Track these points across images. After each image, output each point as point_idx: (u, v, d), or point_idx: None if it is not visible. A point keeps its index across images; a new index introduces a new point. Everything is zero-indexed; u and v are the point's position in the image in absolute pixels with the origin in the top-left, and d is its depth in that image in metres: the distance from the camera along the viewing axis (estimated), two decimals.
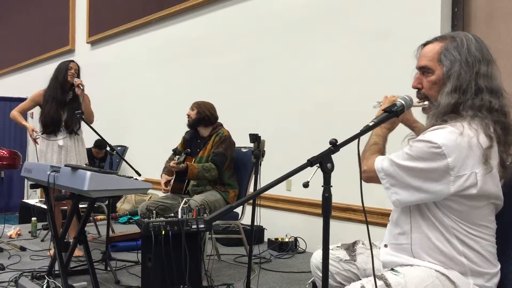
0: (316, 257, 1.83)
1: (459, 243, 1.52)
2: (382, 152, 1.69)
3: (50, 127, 3.95)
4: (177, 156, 3.43)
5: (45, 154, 3.96)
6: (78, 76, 4.03)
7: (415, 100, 1.66)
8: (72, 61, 4.09)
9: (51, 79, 4.05)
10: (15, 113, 4.10)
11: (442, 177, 1.46)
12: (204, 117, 3.68)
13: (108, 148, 3.94)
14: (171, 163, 3.46)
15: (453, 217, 1.52)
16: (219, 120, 3.80)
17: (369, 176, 1.64)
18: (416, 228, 1.58)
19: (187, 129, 3.87)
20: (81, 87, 3.91)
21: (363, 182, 1.61)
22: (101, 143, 5.60)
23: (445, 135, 1.46)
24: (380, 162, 1.59)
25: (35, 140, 3.94)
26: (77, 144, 4.06)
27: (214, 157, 3.53)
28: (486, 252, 1.54)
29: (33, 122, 9.66)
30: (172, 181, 3.64)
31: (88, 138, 4.39)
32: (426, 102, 1.62)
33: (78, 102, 3.97)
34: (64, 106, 3.96)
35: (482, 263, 1.53)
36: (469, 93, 1.52)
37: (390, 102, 1.70)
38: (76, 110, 3.85)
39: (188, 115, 3.74)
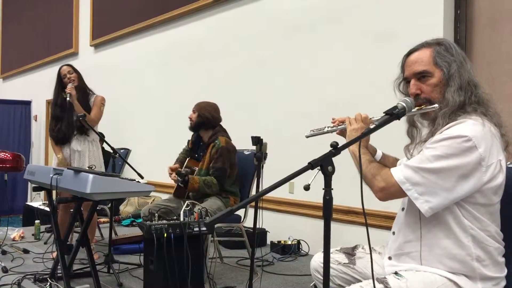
0: (316, 259, 1.83)
1: (474, 245, 1.50)
2: (385, 166, 1.63)
3: (61, 134, 3.92)
4: (176, 174, 3.38)
5: (70, 160, 3.94)
6: (77, 73, 3.95)
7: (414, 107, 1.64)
8: (62, 66, 4.00)
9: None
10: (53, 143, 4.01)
11: (475, 170, 1.46)
12: (204, 121, 3.59)
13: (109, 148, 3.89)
14: (172, 176, 3.42)
15: (474, 213, 1.50)
16: (223, 122, 3.73)
17: (389, 192, 1.55)
18: (427, 234, 1.56)
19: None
20: (69, 98, 3.74)
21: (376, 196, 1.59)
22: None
23: (470, 127, 1.48)
24: (400, 173, 1.53)
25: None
26: (92, 148, 3.98)
27: (214, 172, 3.46)
28: (498, 255, 1.54)
29: (37, 125, 9.76)
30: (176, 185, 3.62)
31: None
32: (436, 105, 1.59)
33: (86, 106, 3.92)
34: (66, 110, 3.88)
35: (493, 266, 1.53)
36: (469, 89, 1.58)
37: (359, 121, 1.72)
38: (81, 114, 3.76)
39: (190, 118, 3.67)
